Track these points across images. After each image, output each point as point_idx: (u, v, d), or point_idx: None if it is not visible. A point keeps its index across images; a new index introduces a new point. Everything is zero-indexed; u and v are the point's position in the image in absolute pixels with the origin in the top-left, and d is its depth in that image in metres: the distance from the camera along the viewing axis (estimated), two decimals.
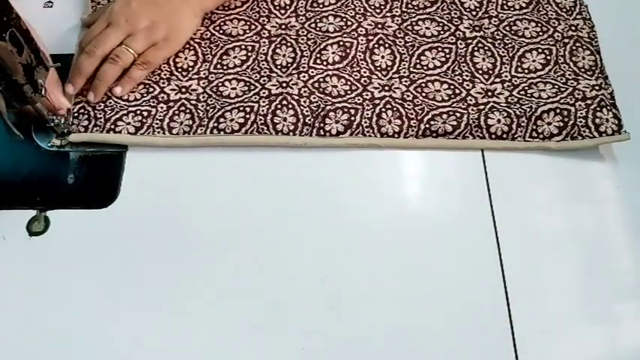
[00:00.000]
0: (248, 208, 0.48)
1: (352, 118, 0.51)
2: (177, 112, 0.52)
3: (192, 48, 0.55)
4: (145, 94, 0.53)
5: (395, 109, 0.52)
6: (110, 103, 0.52)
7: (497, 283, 0.46)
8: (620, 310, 0.47)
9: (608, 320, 0.46)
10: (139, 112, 0.51)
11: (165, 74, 0.54)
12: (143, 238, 0.48)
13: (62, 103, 0.50)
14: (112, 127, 0.51)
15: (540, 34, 0.56)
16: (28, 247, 0.48)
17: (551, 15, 0.57)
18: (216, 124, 0.51)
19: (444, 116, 0.51)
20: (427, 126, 0.51)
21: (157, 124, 0.51)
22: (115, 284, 0.46)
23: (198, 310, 0.45)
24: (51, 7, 0.59)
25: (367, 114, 0.51)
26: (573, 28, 0.56)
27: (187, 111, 0.52)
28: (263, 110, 0.51)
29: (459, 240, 0.47)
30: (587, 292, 0.47)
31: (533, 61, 0.54)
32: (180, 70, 0.54)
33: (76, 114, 0.52)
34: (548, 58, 0.55)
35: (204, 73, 0.54)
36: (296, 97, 0.52)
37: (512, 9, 0.57)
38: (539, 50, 0.55)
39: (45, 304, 0.46)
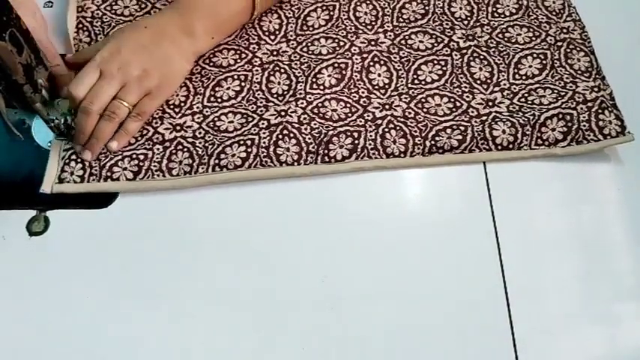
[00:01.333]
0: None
1: (356, 142, 0.50)
2: (174, 151, 0.50)
3: (182, 83, 0.53)
4: (138, 137, 0.50)
5: (398, 127, 0.51)
6: (102, 148, 0.50)
7: (497, 283, 0.46)
8: (620, 310, 0.47)
9: (608, 320, 0.47)
10: (134, 156, 0.49)
11: (157, 113, 0.52)
12: (143, 238, 0.48)
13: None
14: (109, 174, 0.49)
15: (533, 39, 0.56)
16: (28, 247, 0.48)
17: (542, 19, 0.57)
18: (217, 161, 0.49)
19: (448, 131, 0.51)
20: (433, 142, 0.50)
21: (155, 166, 0.49)
22: (114, 284, 0.46)
23: (198, 310, 0.45)
24: (51, 7, 0.59)
25: (371, 135, 0.51)
26: (565, 30, 0.56)
27: (185, 150, 0.50)
28: (264, 142, 0.50)
29: (460, 240, 0.47)
30: (587, 292, 0.47)
31: (530, 66, 0.54)
32: (172, 107, 0.52)
33: (67, 161, 0.50)
34: (544, 62, 0.54)
35: (198, 107, 0.52)
36: (296, 126, 0.51)
37: (502, 16, 0.57)
38: (534, 55, 0.55)
39: (45, 304, 0.46)
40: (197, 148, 0.50)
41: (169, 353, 0.44)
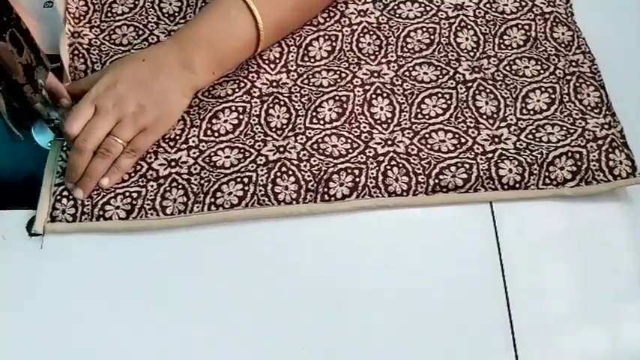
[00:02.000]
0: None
1: (357, 179, 0.48)
2: (168, 188, 0.48)
3: None
4: (132, 174, 0.49)
5: (400, 165, 0.49)
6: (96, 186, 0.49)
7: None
8: (620, 310, 0.47)
9: (608, 320, 0.46)
10: (127, 193, 0.48)
11: (151, 147, 0.50)
12: (143, 237, 0.48)
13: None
14: (101, 213, 0.47)
15: (541, 72, 0.54)
16: (28, 247, 0.48)
17: (550, 51, 0.55)
18: (213, 200, 0.48)
19: (453, 168, 0.49)
20: (436, 181, 0.48)
21: (148, 204, 0.48)
22: (114, 283, 0.46)
23: (198, 310, 0.45)
24: (51, 7, 0.58)
25: (372, 173, 0.49)
26: (574, 63, 0.54)
27: (180, 187, 0.48)
28: (262, 180, 0.48)
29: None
30: (587, 292, 0.47)
31: (538, 100, 0.52)
32: (167, 140, 0.50)
33: (58, 197, 0.48)
34: (553, 97, 0.53)
35: (194, 142, 0.50)
36: (295, 162, 0.49)
37: (509, 47, 0.55)
38: (543, 89, 0.53)
39: (44, 304, 0.46)
40: (192, 186, 0.48)
41: (168, 351, 0.44)
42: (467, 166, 0.49)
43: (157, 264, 0.47)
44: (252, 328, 0.45)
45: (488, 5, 0.57)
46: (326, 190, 0.48)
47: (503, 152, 0.50)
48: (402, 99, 0.53)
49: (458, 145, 0.50)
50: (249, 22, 0.50)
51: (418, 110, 0.52)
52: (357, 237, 0.48)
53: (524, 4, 0.57)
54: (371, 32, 0.56)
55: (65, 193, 0.48)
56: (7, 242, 0.48)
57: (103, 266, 0.47)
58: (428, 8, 0.57)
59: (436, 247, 0.48)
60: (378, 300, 0.45)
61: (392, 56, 0.55)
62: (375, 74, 0.54)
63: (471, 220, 0.48)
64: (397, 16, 0.57)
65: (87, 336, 0.45)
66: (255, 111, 0.52)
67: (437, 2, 0.57)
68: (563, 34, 0.56)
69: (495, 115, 0.52)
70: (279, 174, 0.48)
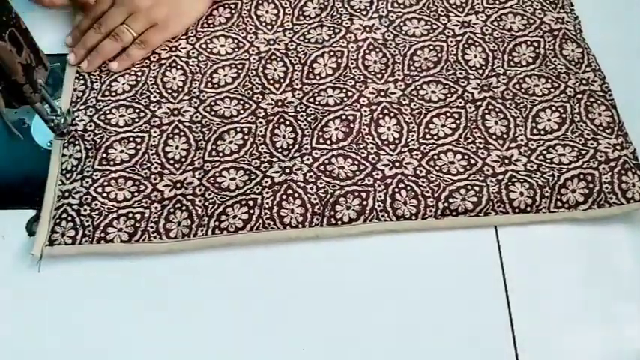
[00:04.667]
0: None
1: (364, 203, 0.47)
2: (172, 210, 0.47)
3: (182, 135, 0.51)
4: (135, 194, 0.48)
5: (409, 187, 0.48)
6: (96, 205, 0.47)
7: (497, 283, 0.46)
8: (620, 310, 0.46)
9: (608, 320, 0.46)
10: (130, 215, 0.47)
11: (156, 168, 0.49)
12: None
13: None
14: (102, 235, 0.46)
15: (552, 90, 0.53)
16: (28, 247, 0.47)
17: (561, 69, 0.54)
18: (217, 223, 0.46)
19: (462, 191, 0.48)
20: (446, 205, 0.47)
21: (151, 227, 0.47)
22: (114, 283, 0.46)
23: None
24: None
25: (380, 196, 0.48)
26: (584, 82, 0.53)
27: (184, 208, 0.47)
28: (267, 203, 0.47)
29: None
30: (587, 292, 0.46)
31: (548, 120, 0.51)
32: (172, 162, 0.49)
33: (58, 220, 0.47)
34: (564, 116, 0.51)
35: (199, 163, 0.49)
36: (302, 185, 0.48)
37: (519, 65, 0.54)
38: (553, 108, 0.52)
39: (44, 304, 0.45)
40: (196, 208, 0.47)
41: (168, 349, 0.43)
42: (477, 188, 0.48)
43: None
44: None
45: (495, 23, 0.56)
46: (332, 213, 0.47)
47: (514, 174, 0.49)
48: (409, 119, 0.52)
49: (467, 167, 0.49)
50: None
51: (426, 130, 0.51)
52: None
53: (532, 21, 0.56)
54: (377, 49, 0.55)
55: (64, 215, 0.47)
56: (7, 242, 0.48)
57: (102, 266, 0.46)
58: (434, 26, 0.56)
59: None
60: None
61: (399, 74, 0.54)
62: (382, 93, 0.53)
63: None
64: (403, 33, 0.56)
65: (86, 336, 0.44)
66: (261, 131, 0.51)
67: (443, 20, 0.57)
68: (572, 51, 0.55)
69: (505, 136, 0.51)
70: (284, 197, 0.47)
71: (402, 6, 0.57)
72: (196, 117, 0.52)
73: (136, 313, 0.45)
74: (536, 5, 0.57)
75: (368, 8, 0.57)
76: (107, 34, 0.55)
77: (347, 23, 0.56)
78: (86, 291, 0.46)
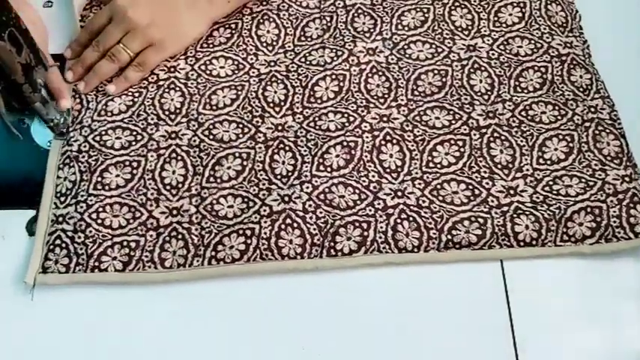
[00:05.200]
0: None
1: (365, 233, 0.46)
2: (168, 239, 0.46)
3: (180, 159, 0.49)
4: (131, 220, 0.47)
5: (411, 218, 0.47)
6: (91, 232, 0.46)
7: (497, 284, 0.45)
8: (620, 310, 0.46)
9: (608, 320, 0.45)
10: (125, 243, 0.46)
11: (152, 194, 0.48)
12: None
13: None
14: (96, 264, 0.45)
15: (559, 117, 0.51)
16: (28, 247, 0.47)
17: (568, 96, 0.52)
18: (214, 253, 0.45)
19: (466, 223, 0.47)
20: (449, 237, 0.46)
21: (146, 256, 0.45)
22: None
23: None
24: (51, 6, 0.59)
25: (381, 227, 0.46)
26: (593, 109, 0.52)
27: (180, 237, 0.46)
28: (265, 233, 0.46)
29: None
30: (587, 292, 0.46)
31: (555, 149, 0.50)
32: (168, 188, 0.48)
33: (52, 246, 0.46)
34: (571, 145, 0.50)
35: (196, 189, 0.48)
36: (301, 214, 0.46)
37: (525, 91, 0.53)
38: (560, 137, 0.50)
39: (44, 304, 0.45)
40: (192, 236, 0.46)
41: (168, 348, 0.43)
42: (481, 220, 0.47)
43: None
44: None
45: (502, 47, 0.55)
46: (332, 244, 0.46)
47: (520, 206, 0.47)
48: (412, 146, 0.50)
49: (472, 197, 0.48)
50: None
51: (429, 158, 0.50)
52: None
53: (539, 45, 0.55)
54: (380, 73, 0.53)
55: (58, 242, 0.46)
56: (7, 242, 0.48)
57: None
58: (439, 49, 0.55)
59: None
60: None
61: (402, 99, 0.52)
62: (385, 118, 0.51)
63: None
64: (407, 56, 0.54)
65: (85, 336, 0.43)
66: (260, 157, 0.49)
67: (448, 43, 0.55)
68: (581, 77, 0.53)
69: (510, 165, 0.49)
70: (283, 226, 0.46)
71: (406, 28, 0.56)
72: (194, 141, 0.50)
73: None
74: (544, 29, 0.56)
75: (371, 30, 0.56)
76: (104, 53, 0.53)
77: (350, 45, 0.55)
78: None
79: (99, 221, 0.46)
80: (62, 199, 0.48)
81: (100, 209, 0.47)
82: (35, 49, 0.46)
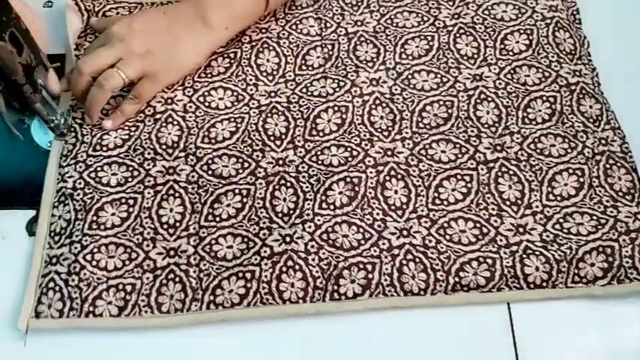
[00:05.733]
0: None
1: (370, 276, 0.44)
2: (165, 282, 0.44)
3: (178, 196, 0.48)
4: (126, 262, 0.45)
5: (418, 260, 0.45)
6: (85, 274, 0.44)
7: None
8: (620, 310, 0.45)
9: (609, 320, 0.45)
10: (120, 286, 0.44)
11: (149, 234, 0.46)
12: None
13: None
14: (91, 309, 0.43)
15: (569, 150, 0.50)
16: (28, 247, 0.47)
17: (578, 127, 0.51)
18: (212, 298, 0.44)
19: (475, 264, 0.45)
20: (457, 279, 0.44)
21: (143, 301, 0.44)
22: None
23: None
24: (50, 6, 0.59)
25: (386, 269, 0.45)
26: (603, 141, 0.50)
27: (177, 279, 0.44)
28: (266, 276, 0.44)
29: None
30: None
31: (565, 184, 0.48)
32: (166, 227, 0.46)
33: (45, 289, 0.44)
34: (581, 180, 0.48)
35: (194, 228, 0.46)
36: (303, 255, 0.45)
37: (534, 122, 0.51)
38: (570, 171, 0.49)
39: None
40: (190, 279, 0.44)
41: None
42: (489, 261, 0.45)
43: None
44: None
45: (509, 76, 0.53)
46: (336, 287, 0.44)
47: (529, 245, 0.46)
48: (417, 181, 0.49)
49: (480, 236, 0.46)
50: None
51: (436, 194, 0.48)
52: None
53: (547, 74, 0.53)
54: (384, 104, 0.52)
55: (51, 284, 0.44)
56: (7, 242, 0.48)
57: None
58: (444, 79, 0.53)
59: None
60: None
61: (406, 132, 0.51)
62: (389, 152, 0.50)
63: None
64: (411, 86, 0.53)
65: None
66: (260, 193, 0.48)
67: (454, 72, 0.54)
68: (590, 107, 0.52)
69: (519, 202, 0.48)
70: (284, 269, 0.44)
71: (410, 57, 0.54)
72: (192, 176, 0.49)
73: None
74: (552, 57, 0.54)
75: (374, 59, 0.54)
76: (93, 76, 0.50)
77: (352, 75, 0.53)
78: None
79: (94, 263, 0.45)
80: (56, 238, 0.47)
81: (95, 250, 0.45)
82: (36, 49, 0.46)
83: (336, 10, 0.57)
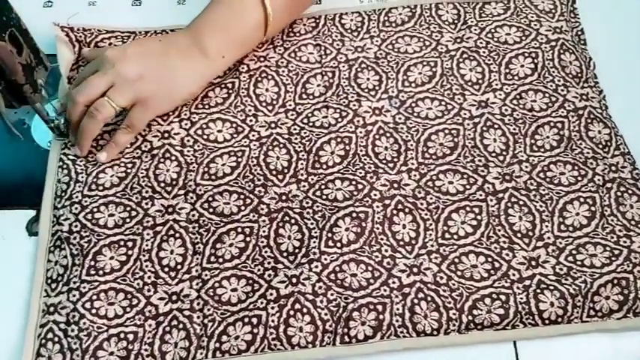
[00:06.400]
0: None
1: (381, 317, 0.43)
2: (168, 329, 0.43)
3: (178, 236, 0.46)
4: (127, 309, 0.43)
5: (429, 298, 0.44)
6: (85, 324, 0.42)
7: None
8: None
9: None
10: (122, 335, 0.42)
11: (149, 278, 0.44)
12: None
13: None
14: None
15: (579, 178, 0.49)
16: (28, 247, 0.47)
17: (587, 154, 0.50)
18: (218, 345, 0.42)
19: (488, 301, 0.44)
20: (470, 317, 0.43)
21: (146, 350, 0.42)
22: None
23: None
24: (50, 7, 0.60)
25: (398, 309, 0.43)
26: (614, 168, 0.49)
27: (181, 326, 0.43)
28: (273, 321, 0.42)
29: None
30: None
31: (577, 214, 0.47)
32: (167, 270, 0.45)
33: (44, 341, 0.42)
34: (593, 209, 0.47)
35: (197, 270, 0.45)
36: (310, 297, 0.43)
37: (542, 149, 0.50)
38: (582, 200, 0.48)
39: None
40: (195, 325, 0.43)
41: None
42: (503, 298, 0.44)
43: None
44: None
45: (515, 101, 0.52)
46: (346, 330, 0.43)
47: (543, 279, 0.44)
48: (426, 214, 0.47)
49: (492, 271, 0.45)
50: (257, 6, 0.51)
51: (445, 228, 0.47)
52: None
53: (554, 98, 0.52)
54: (387, 134, 0.50)
55: (50, 335, 0.42)
56: (7, 242, 0.48)
57: None
58: (449, 107, 0.52)
59: None
60: None
61: (412, 163, 0.49)
62: (395, 185, 0.48)
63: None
64: (415, 115, 0.51)
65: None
66: (264, 231, 0.46)
67: (459, 99, 0.52)
68: (599, 132, 0.51)
69: (531, 233, 0.46)
70: (292, 312, 0.43)
71: (413, 84, 0.53)
72: (193, 215, 0.47)
73: None
74: (559, 80, 0.53)
75: (376, 87, 0.53)
76: (87, 105, 0.48)
77: (354, 105, 0.52)
78: None
79: (93, 311, 0.43)
80: (53, 285, 0.45)
81: (94, 297, 0.43)
82: (36, 49, 0.45)
83: (336, 36, 0.56)
